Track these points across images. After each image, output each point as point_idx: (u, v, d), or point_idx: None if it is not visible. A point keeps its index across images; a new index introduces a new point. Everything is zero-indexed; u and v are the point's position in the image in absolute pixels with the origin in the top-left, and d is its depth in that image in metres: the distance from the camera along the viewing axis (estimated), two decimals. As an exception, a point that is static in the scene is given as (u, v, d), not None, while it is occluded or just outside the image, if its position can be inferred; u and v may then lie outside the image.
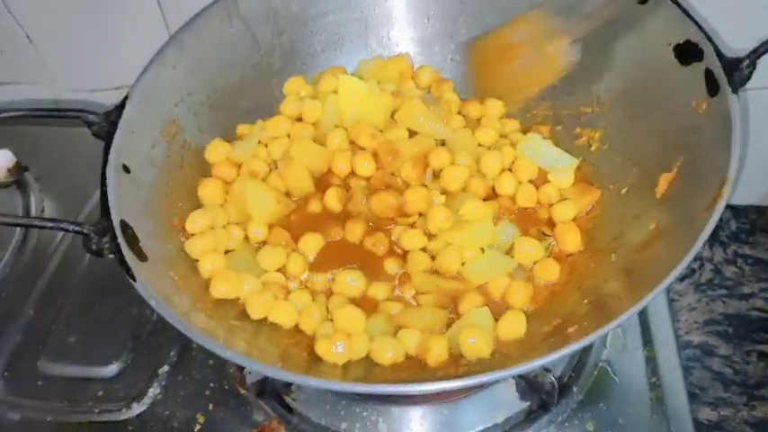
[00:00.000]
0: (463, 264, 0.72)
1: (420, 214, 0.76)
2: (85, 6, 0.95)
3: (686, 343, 0.92)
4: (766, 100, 0.89)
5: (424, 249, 0.74)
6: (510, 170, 0.80)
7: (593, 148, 0.79)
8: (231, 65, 0.80)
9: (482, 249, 0.73)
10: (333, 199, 0.76)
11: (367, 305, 0.70)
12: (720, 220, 1.01)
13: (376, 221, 0.76)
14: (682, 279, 0.99)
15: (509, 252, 0.74)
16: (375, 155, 0.78)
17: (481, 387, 0.74)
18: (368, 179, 0.78)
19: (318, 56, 0.86)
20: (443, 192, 0.77)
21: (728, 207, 1.05)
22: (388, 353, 0.64)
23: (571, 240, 0.74)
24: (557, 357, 0.54)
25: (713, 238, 1.03)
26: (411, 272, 0.72)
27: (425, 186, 0.77)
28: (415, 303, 0.71)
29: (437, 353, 0.64)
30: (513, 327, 0.66)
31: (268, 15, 0.81)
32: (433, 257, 0.73)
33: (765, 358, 0.90)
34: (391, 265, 0.73)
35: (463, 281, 0.72)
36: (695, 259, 1.00)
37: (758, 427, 0.84)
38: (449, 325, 0.68)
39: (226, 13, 0.78)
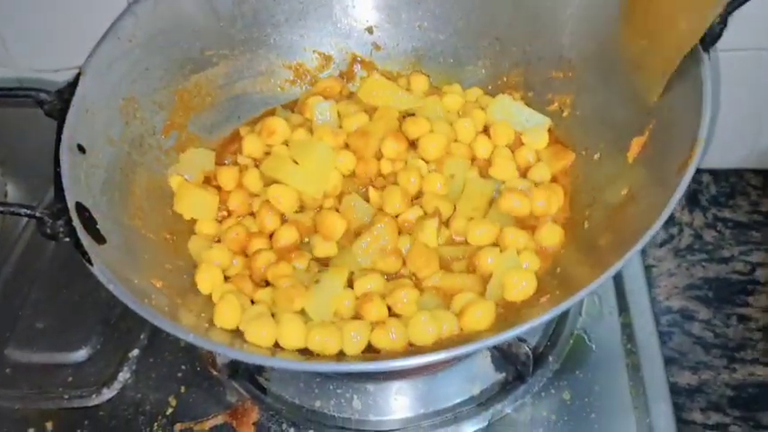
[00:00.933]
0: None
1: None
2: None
3: (666, 308, 0.92)
4: (741, 62, 0.88)
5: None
6: (486, 134, 0.79)
7: (564, 114, 0.78)
8: (190, 37, 0.77)
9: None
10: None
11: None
12: (700, 183, 1.03)
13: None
14: (661, 245, 0.98)
15: None
16: (346, 146, 0.77)
17: (455, 360, 0.73)
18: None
19: (282, 26, 0.83)
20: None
21: (708, 171, 1.04)
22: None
23: (555, 200, 0.73)
24: (528, 328, 0.53)
25: (693, 203, 1.02)
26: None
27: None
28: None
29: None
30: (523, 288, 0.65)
31: (226, -17, 0.79)
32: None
33: (745, 321, 0.90)
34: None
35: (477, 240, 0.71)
36: (675, 224, 1.00)
37: (739, 389, 0.84)
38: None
39: (182, -18, 0.75)
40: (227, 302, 0.63)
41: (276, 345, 0.61)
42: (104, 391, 0.77)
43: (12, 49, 1.01)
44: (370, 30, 0.86)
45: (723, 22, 0.60)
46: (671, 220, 0.99)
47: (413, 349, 0.60)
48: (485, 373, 0.73)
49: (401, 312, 0.64)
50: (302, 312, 0.64)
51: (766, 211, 1.00)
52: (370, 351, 0.61)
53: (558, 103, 0.78)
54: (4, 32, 0.99)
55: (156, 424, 0.74)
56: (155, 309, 0.57)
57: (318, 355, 0.60)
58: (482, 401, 0.72)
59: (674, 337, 0.89)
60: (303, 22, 0.83)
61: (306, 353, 0.61)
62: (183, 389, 0.76)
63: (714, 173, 1.04)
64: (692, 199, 1.02)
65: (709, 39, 0.61)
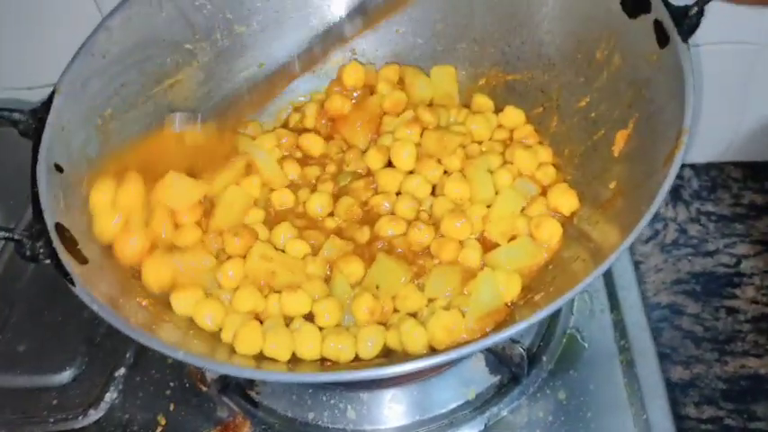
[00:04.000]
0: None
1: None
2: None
3: (655, 304, 0.92)
4: (721, 56, 0.89)
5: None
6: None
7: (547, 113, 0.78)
8: (166, 51, 0.76)
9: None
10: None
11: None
12: (682, 178, 1.04)
13: None
14: (647, 241, 0.99)
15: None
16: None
17: (450, 365, 0.73)
18: None
19: (258, 36, 0.82)
20: None
21: (689, 166, 1.05)
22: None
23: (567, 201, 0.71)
24: (521, 329, 0.52)
25: (676, 198, 1.03)
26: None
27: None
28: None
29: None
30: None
31: (199, -5, 0.78)
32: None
33: (734, 313, 0.90)
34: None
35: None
36: (659, 220, 1.01)
37: (731, 381, 0.84)
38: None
39: (154, -5, 0.74)
40: (250, 328, 0.62)
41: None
42: (91, 412, 0.75)
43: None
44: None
45: (701, 12, 0.61)
46: (655, 216, 0.99)
47: (400, 357, 0.60)
48: (480, 377, 0.73)
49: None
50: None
51: (748, 203, 1.01)
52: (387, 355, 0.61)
53: (541, 103, 0.78)
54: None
55: (145, 444, 0.73)
56: (141, 328, 0.55)
57: (334, 362, 0.60)
58: (478, 405, 0.72)
59: (664, 333, 0.89)
60: (280, 31, 0.82)
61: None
62: (172, 406, 0.75)
63: (695, 167, 1.06)
64: (674, 194, 1.03)
65: (688, 28, 0.61)
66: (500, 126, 0.80)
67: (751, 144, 1.02)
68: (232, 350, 0.62)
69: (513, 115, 0.79)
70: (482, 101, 0.82)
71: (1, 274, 0.88)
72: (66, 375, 0.78)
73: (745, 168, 1.04)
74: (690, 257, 0.97)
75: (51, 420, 0.75)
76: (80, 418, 0.75)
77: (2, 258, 0.89)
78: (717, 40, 0.87)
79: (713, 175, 1.05)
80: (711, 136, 1.01)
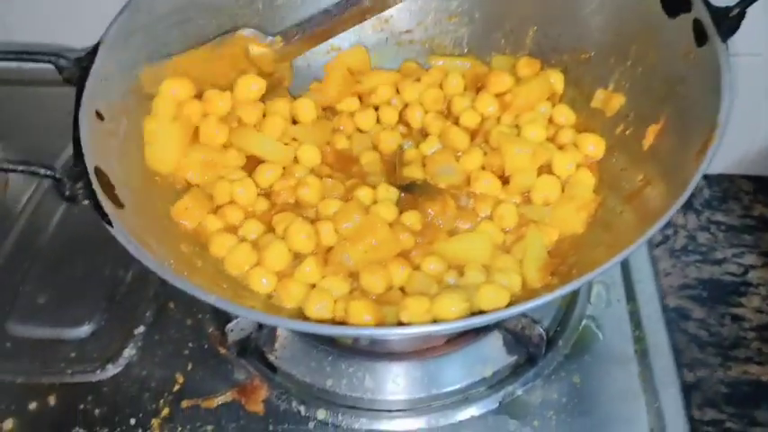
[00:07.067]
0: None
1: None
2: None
3: (662, 307, 0.93)
4: (739, 69, 0.89)
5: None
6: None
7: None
8: (207, 15, 0.77)
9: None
10: None
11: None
12: (694, 187, 1.05)
13: None
14: (657, 245, 1.00)
15: None
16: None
17: (467, 341, 0.74)
18: None
19: (299, 8, 0.83)
20: None
21: (702, 176, 1.06)
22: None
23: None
24: (534, 305, 0.53)
25: (687, 206, 1.04)
26: None
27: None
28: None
29: None
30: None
31: (244, -38, 0.79)
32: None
33: (739, 320, 0.91)
34: None
35: None
36: (670, 226, 1.02)
37: (733, 386, 0.85)
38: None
39: (200, -41, 0.75)
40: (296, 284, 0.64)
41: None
42: (109, 367, 0.76)
43: (14, 34, 1.00)
44: (386, 19, 0.86)
45: (742, 14, 0.62)
46: (666, 223, 1.01)
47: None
48: (497, 356, 0.74)
49: None
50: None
51: (758, 215, 1.02)
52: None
53: (571, 96, 0.79)
54: (5, 18, 0.98)
55: (162, 400, 0.73)
56: (176, 271, 0.56)
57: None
58: (493, 383, 0.73)
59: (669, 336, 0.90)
60: (319, 4, 0.83)
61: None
62: (190, 366, 0.75)
63: (707, 178, 1.07)
64: (686, 202, 1.04)
65: (727, 29, 0.62)
66: (550, 122, 0.79)
67: (763, 158, 1.03)
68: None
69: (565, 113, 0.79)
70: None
71: (24, 226, 0.88)
72: (84, 330, 0.78)
73: (756, 182, 1.06)
74: (698, 264, 0.98)
75: (69, 372, 0.75)
76: (98, 371, 0.75)
77: (25, 211, 0.89)
78: (734, 52, 0.88)
79: (725, 187, 1.06)
80: (725, 148, 0.99)
